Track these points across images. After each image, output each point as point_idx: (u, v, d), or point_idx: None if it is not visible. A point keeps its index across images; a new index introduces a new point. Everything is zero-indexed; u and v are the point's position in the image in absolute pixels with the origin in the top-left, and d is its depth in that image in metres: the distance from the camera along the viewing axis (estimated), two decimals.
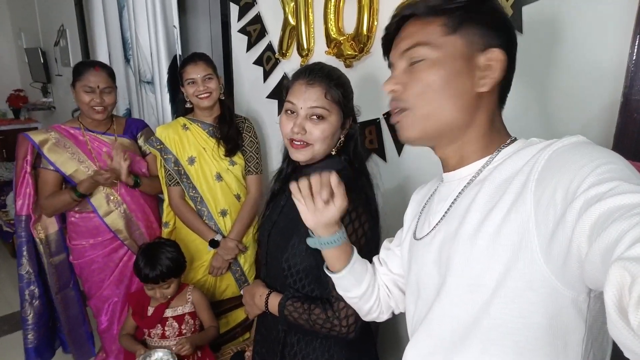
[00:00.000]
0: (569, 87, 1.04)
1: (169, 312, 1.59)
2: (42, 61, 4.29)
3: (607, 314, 0.37)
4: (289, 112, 1.04)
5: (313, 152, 1.03)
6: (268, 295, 1.10)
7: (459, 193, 0.69)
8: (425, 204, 0.81)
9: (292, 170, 1.17)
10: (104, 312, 1.81)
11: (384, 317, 0.93)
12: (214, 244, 1.74)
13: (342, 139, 1.08)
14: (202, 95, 1.67)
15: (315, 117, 1.00)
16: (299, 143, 1.02)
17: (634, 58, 0.85)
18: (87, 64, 1.71)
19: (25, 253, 1.78)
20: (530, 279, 0.54)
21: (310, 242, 0.86)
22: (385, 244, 0.95)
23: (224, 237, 1.75)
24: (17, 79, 5.10)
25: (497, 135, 0.68)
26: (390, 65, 0.73)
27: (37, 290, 1.83)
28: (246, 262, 1.84)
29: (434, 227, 0.72)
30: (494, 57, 0.64)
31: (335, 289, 0.92)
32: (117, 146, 1.66)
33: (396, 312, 0.94)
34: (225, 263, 1.76)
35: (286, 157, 1.18)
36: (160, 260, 1.53)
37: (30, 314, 1.83)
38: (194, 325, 1.63)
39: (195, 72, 1.66)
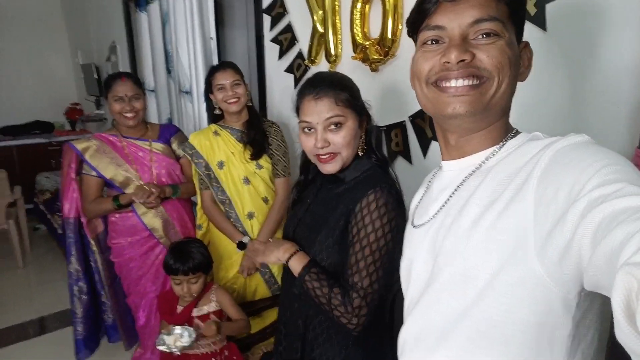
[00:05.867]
0: (592, 85, 1.01)
1: (195, 312, 1.63)
2: (95, 76, 4.60)
3: (614, 320, 0.37)
4: (306, 130, 1.06)
5: (342, 160, 1.06)
6: (296, 251, 1.08)
7: (460, 183, 0.68)
8: (425, 191, 0.81)
9: (315, 175, 1.20)
10: (142, 308, 1.92)
11: None
12: (241, 245, 1.79)
13: (363, 136, 1.10)
14: (231, 101, 1.74)
15: (333, 126, 1.03)
16: (326, 156, 1.04)
17: None
18: (115, 75, 1.82)
19: (73, 252, 1.93)
20: (523, 275, 0.54)
21: None
22: None
23: (251, 239, 1.80)
24: (74, 93, 5.52)
25: (505, 127, 0.68)
26: (427, 28, 0.65)
27: (85, 286, 1.98)
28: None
29: (433, 216, 0.72)
30: (529, 51, 0.67)
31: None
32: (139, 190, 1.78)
33: None
34: (253, 263, 1.81)
35: (303, 168, 1.22)
36: (192, 254, 1.59)
37: (79, 308, 1.98)
38: None
39: (224, 78, 1.73)
